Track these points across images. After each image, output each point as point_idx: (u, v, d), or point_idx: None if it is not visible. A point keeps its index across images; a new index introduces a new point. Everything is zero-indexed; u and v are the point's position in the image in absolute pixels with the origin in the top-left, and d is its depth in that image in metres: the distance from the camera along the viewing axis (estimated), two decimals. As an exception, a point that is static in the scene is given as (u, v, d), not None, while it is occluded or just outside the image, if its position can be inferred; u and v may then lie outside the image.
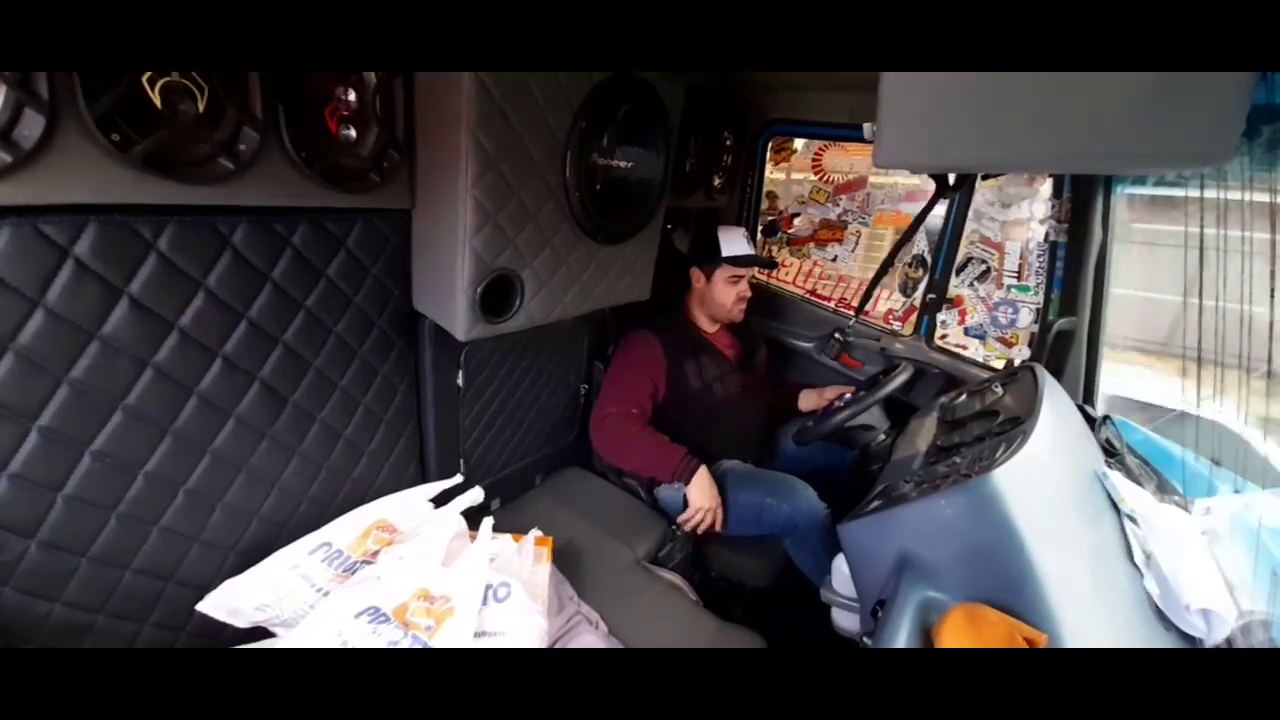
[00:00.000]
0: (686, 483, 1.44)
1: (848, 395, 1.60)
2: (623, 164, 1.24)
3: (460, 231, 1.00)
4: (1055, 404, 0.97)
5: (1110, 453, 1.01)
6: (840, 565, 1.01)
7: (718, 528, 1.44)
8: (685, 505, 1.45)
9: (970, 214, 1.74)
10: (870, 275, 1.92)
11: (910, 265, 1.97)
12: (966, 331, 1.85)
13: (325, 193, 0.93)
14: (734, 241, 1.62)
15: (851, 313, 1.93)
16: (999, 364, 1.74)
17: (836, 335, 1.90)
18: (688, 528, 1.46)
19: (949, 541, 0.81)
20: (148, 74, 0.71)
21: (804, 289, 2.17)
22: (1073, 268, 1.46)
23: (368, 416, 1.16)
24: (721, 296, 1.63)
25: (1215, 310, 0.88)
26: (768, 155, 2.05)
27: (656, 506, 1.60)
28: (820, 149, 2.08)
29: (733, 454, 1.64)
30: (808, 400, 1.79)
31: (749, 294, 1.66)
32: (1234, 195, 0.87)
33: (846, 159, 2.07)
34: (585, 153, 1.13)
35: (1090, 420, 1.11)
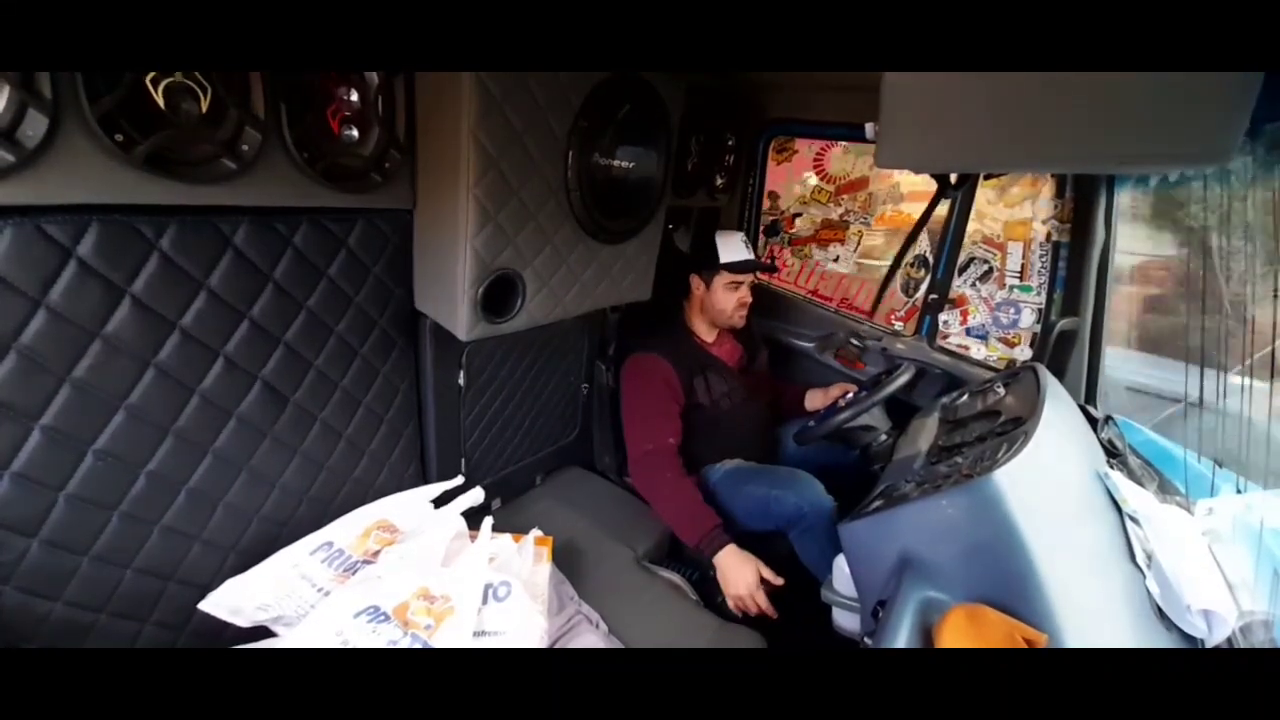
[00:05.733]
0: (710, 557, 1.36)
1: (850, 395, 1.60)
2: (623, 164, 1.24)
3: (461, 231, 1.00)
4: (1057, 404, 0.97)
5: (1112, 453, 1.01)
6: (841, 565, 1.01)
7: (767, 610, 1.31)
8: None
9: (972, 213, 1.74)
10: (873, 276, 1.92)
11: (912, 265, 1.97)
12: (969, 332, 1.85)
13: (327, 192, 0.93)
14: (732, 247, 1.61)
15: (861, 315, 1.93)
16: (1001, 364, 1.74)
17: (853, 341, 1.88)
18: (738, 614, 1.34)
19: (950, 541, 0.81)
20: (150, 74, 0.72)
21: (805, 289, 2.16)
22: (1075, 268, 1.46)
23: (369, 416, 1.17)
24: (722, 303, 1.63)
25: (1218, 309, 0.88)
26: (769, 155, 2.05)
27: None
28: (822, 149, 2.08)
29: (735, 455, 1.63)
30: (814, 400, 1.78)
31: (749, 299, 1.65)
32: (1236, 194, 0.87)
33: (848, 158, 2.07)
34: (586, 152, 1.13)
35: (1092, 420, 1.10)
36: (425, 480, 1.31)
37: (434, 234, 1.07)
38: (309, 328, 1.00)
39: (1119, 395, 1.40)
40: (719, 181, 1.84)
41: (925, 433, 1.18)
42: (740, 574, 1.33)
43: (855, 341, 1.88)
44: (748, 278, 1.63)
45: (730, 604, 1.35)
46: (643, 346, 1.60)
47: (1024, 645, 0.67)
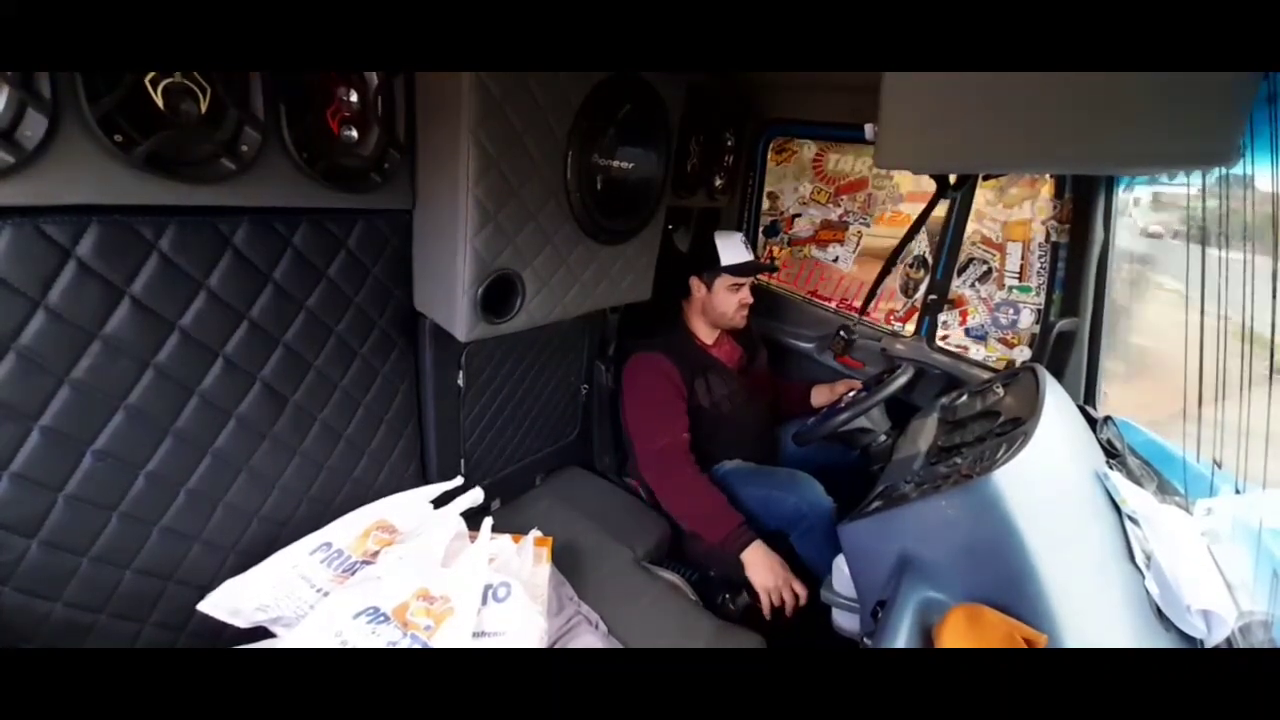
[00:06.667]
0: (736, 554, 1.34)
1: (852, 393, 1.60)
2: (623, 164, 1.24)
3: (461, 231, 1.00)
4: (1056, 405, 0.97)
5: (1111, 453, 1.01)
6: (840, 565, 1.01)
7: (801, 601, 1.29)
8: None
9: (971, 214, 1.74)
10: (871, 276, 1.92)
11: (911, 266, 1.97)
12: (968, 332, 1.85)
13: (326, 193, 0.93)
14: (732, 248, 1.61)
15: (854, 313, 1.93)
16: (1000, 365, 1.74)
17: (841, 333, 1.89)
18: (767, 611, 1.32)
19: (949, 542, 0.81)
20: (150, 74, 0.72)
21: (805, 289, 2.16)
22: (1074, 268, 1.46)
23: (368, 416, 1.17)
24: (723, 305, 1.62)
25: (1217, 312, 0.88)
26: (769, 155, 2.05)
27: (658, 507, 1.60)
28: (821, 149, 2.08)
29: (734, 456, 1.63)
30: (820, 396, 1.78)
31: (750, 300, 1.65)
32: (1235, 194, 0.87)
33: (848, 159, 2.07)
34: (586, 153, 1.13)
35: (1091, 421, 1.10)
36: (425, 480, 1.31)
37: (434, 234, 1.07)
38: (309, 328, 1.00)
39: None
40: (719, 182, 1.84)
41: (925, 433, 1.18)
42: (772, 568, 1.32)
43: (844, 334, 1.90)
44: (749, 279, 1.63)
45: (761, 597, 1.32)
46: (646, 346, 1.60)
47: (1024, 645, 0.67)
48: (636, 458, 1.55)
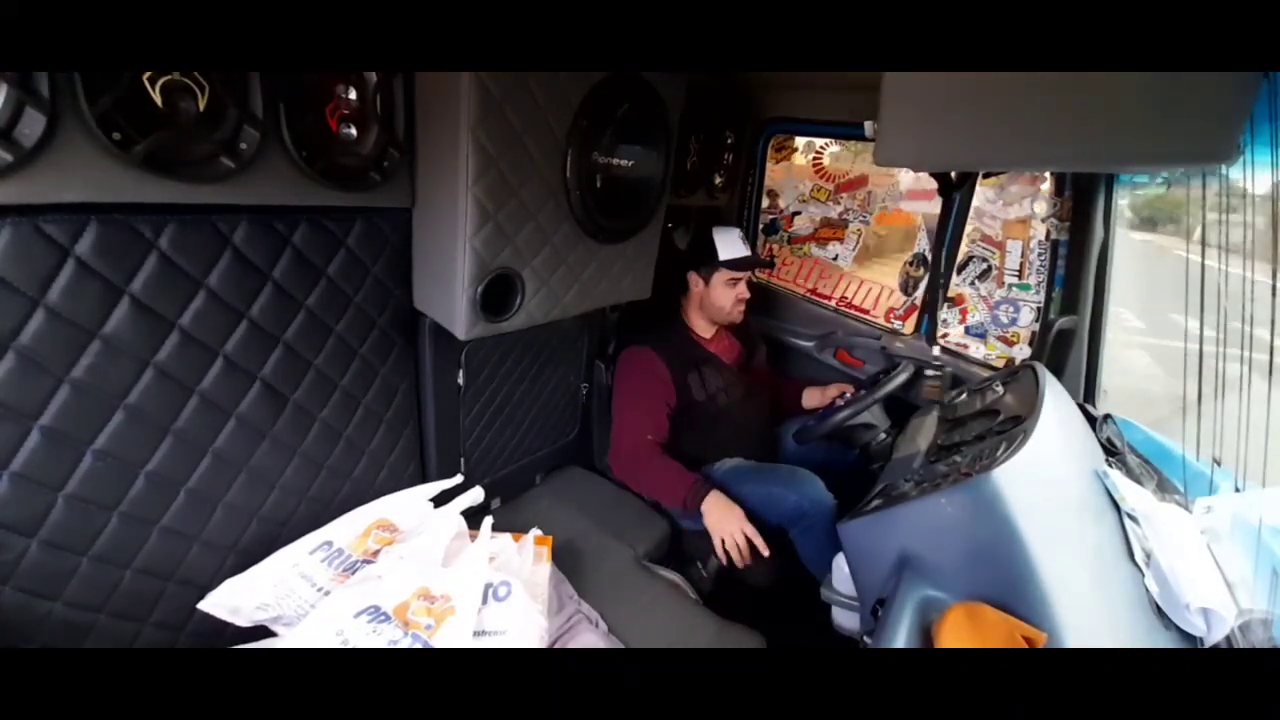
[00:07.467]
0: (695, 507, 1.37)
1: (849, 394, 1.60)
2: (623, 163, 1.24)
3: (460, 230, 1.00)
4: (1056, 403, 0.97)
5: (1111, 451, 1.01)
6: (840, 564, 1.02)
7: (763, 550, 1.31)
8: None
9: (971, 212, 1.74)
10: (876, 277, 1.92)
11: (911, 264, 1.97)
12: (967, 330, 1.85)
13: (325, 192, 0.93)
14: (730, 243, 1.61)
15: (861, 314, 1.93)
16: (1000, 363, 1.74)
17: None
18: (725, 561, 1.35)
19: (949, 540, 0.81)
20: (149, 73, 0.71)
21: (805, 288, 2.16)
22: (1074, 266, 1.46)
23: (368, 416, 1.16)
24: (720, 300, 1.63)
25: (1216, 308, 0.88)
26: (769, 154, 2.05)
27: (657, 506, 1.60)
28: (821, 148, 2.08)
29: (734, 454, 1.63)
30: (811, 398, 1.79)
31: (748, 295, 1.66)
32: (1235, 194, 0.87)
33: (847, 157, 2.07)
34: (585, 152, 1.13)
35: (1091, 419, 1.11)
36: (425, 480, 1.31)
37: (433, 233, 1.07)
38: (308, 327, 1.00)
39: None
40: (718, 180, 1.84)
41: (924, 432, 1.18)
42: (726, 515, 1.34)
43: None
44: (746, 274, 1.63)
45: (718, 549, 1.34)
46: (636, 341, 1.60)
47: (1024, 645, 0.67)
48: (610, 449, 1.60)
